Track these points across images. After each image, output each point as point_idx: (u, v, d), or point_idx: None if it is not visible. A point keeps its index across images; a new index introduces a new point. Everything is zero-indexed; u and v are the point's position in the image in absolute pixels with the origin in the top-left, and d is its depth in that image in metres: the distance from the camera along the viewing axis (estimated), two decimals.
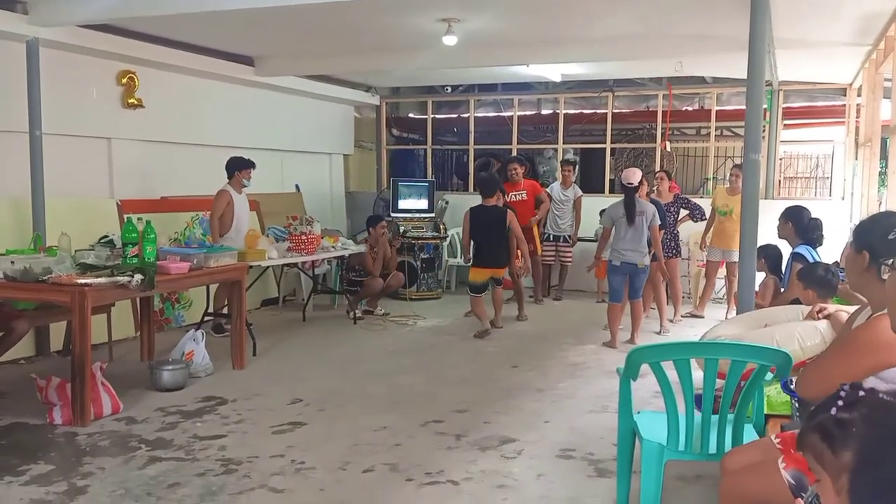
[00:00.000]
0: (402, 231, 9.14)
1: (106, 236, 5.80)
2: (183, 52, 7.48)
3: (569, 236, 9.15)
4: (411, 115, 12.51)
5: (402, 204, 9.58)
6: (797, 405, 3.12)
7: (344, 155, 11.08)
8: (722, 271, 8.12)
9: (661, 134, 9.94)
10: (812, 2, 5.64)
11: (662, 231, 7.28)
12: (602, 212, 7.03)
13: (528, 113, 11.63)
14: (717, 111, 9.94)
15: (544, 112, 11.78)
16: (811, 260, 4.83)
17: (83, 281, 4.56)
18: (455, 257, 9.88)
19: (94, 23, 6.27)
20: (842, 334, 2.54)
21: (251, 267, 6.36)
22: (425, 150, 11.40)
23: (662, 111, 9.94)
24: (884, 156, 7.40)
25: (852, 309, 3.59)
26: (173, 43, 7.33)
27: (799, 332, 3.64)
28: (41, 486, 3.65)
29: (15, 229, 6.10)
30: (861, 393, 1.42)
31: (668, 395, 3.03)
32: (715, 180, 10.90)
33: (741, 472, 2.47)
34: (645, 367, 3.12)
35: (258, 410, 4.88)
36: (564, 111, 10.55)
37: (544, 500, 3.60)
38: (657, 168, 9.44)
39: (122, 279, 4.69)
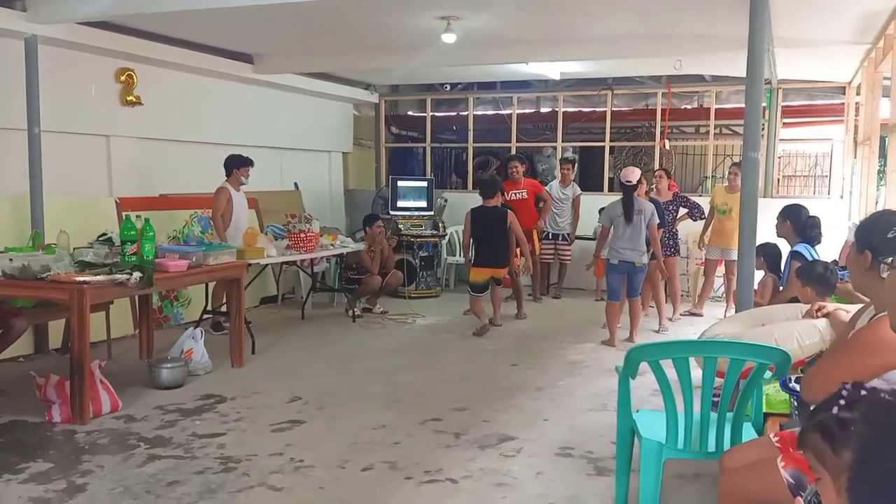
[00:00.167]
0: (398, 229, 9.13)
1: (104, 234, 5.79)
2: (182, 49, 7.47)
3: (567, 234, 9.15)
4: (410, 112, 12.51)
5: (401, 202, 9.58)
6: (796, 403, 3.12)
7: (343, 153, 11.08)
8: (721, 269, 8.13)
9: (661, 132, 9.94)
10: (811, 1, 5.64)
11: (661, 230, 7.28)
12: (601, 210, 7.03)
13: (527, 111, 11.63)
14: (716, 109, 9.94)
15: (543, 110, 11.78)
16: (810, 258, 4.84)
17: (82, 279, 4.55)
18: (454, 255, 9.88)
19: (93, 20, 6.26)
20: (844, 335, 2.53)
21: (250, 265, 6.36)
22: (424, 148, 11.39)
23: (661, 109, 9.94)
24: (882, 154, 7.40)
25: (851, 307, 3.60)
26: (172, 40, 7.31)
27: (798, 330, 3.64)
28: (40, 484, 3.65)
29: (13, 227, 6.09)
30: (863, 392, 1.42)
31: (667, 393, 3.03)
32: (714, 178, 10.90)
33: (740, 471, 2.47)
34: (644, 366, 3.12)
35: (257, 408, 4.88)
36: (563, 109, 10.55)
37: (543, 498, 3.60)
38: (656, 166, 9.45)
39: (121, 277, 4.69)
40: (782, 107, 9.61)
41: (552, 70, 9.28)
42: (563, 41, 7.37)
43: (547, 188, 9.21)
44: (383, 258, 8.31)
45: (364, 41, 7.60)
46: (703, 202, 8.24)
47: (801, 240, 5.10)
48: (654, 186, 7.98)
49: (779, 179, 11.22)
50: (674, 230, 7.88)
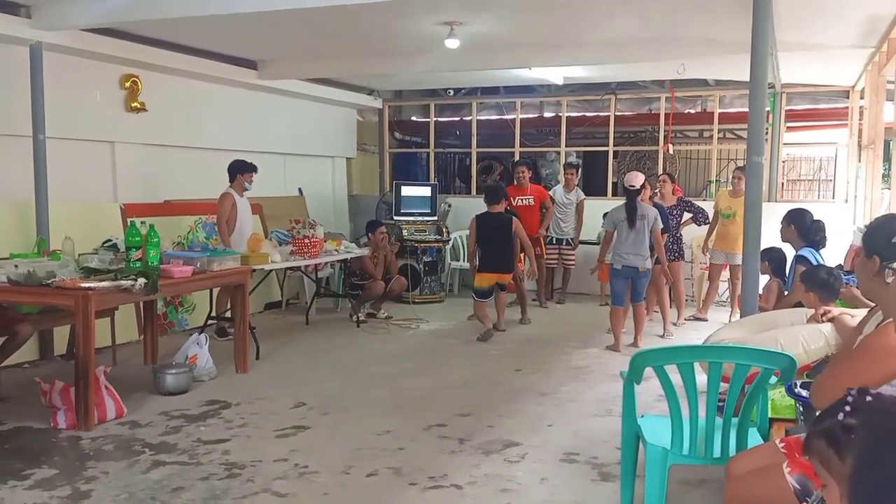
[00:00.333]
0: (402, 235, 9.13)
1: (109, 240, 5.81)
2: (186, 55, 7.50)
3: (571, 239, 9.14)
4: (414, 118, 12.52)
5: (405, 207, 9.58)
6: (801, 409, 3.11)
7: (347, 158, 11.09)
8: (725, 274, 8.11)
9: (664, 137, 9.93)
10: (815, 5, 5.64)
11: (666, 234, 7.27)
12: (605, 215, 7.04)
13: (530, 116, 11.63)
14: (719, 114, 9.93)
15: (547, 115, 11.77)
16: (814, 262, 4.83)
17: (87, 285, 4.56)
18: (458, 260, 9.88)
19: (98, 26, 6.28)
20: (851, 341, 2.52)
21: (254, 270, 6.37)
22: (428, 154, 11.41)
23: (665, 114, 9.94)
24: (887, 158, 7.39)
25: (857, 312, 3.59)
26: (176, 47, 7.34)
27: (803, 335, 3.64)
28: (45, 491, 3.65)
29: (19, 233, 6.11)
30: (868, 398, 1.42)
31: (672, 398, 3.03)
32: (718, 183, 10.89)
33: (746, 477, 2.46)
34: (648, 371, 3.12)
35: (261, 414, 4.88)
36: (567, 114, 10.55)
37: None
38: (660, 171, 9.45)
39: (126, 283, 4.70)
40: (786, 111, 9.60)
41: (555, 75, 9.29)
42: (567, 46, 7.38)
43: (551, 193, 9.20)
44: (386, 264, 8.31)
45: (367, 47, 7.62)
46: (707, 206, 8.24)
47: (805, 244, 5.09)
48: (658, 191, 7.98)
49: (783, 183, 11.23)
50: (678, 235, 7.87)
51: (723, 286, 8.41)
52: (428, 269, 9.25)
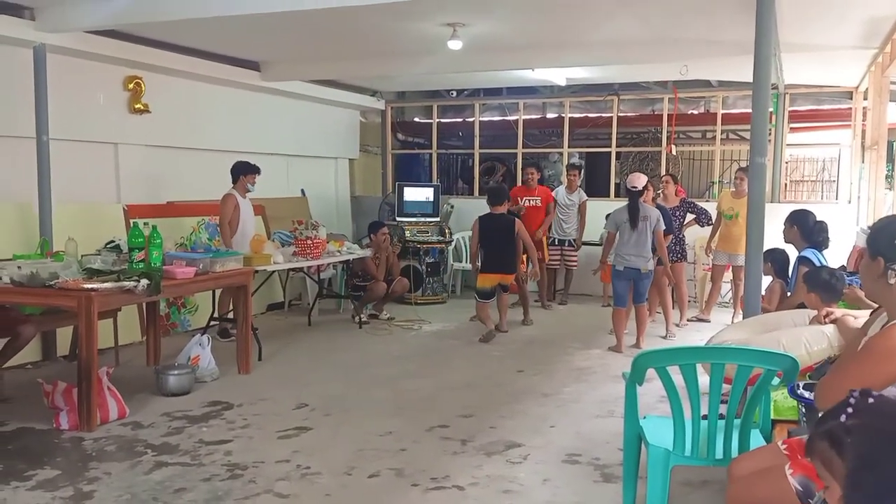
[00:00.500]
0: (404, 236, 9.13)
1: (112, 241, 5.81)
2: (189, 57, 7.51)
3: (574, 240, 9.14)
4: (416, 119, 12.52)
5: (408, 208, 9.59)
6: (804, 410, 3.11)
7: (349, 159, 11.09)
8: (728, 275, 8.10)
9: (667, 137, 9.92)
10: (818, 5, 5.63)
11: (670, 236, 7.26)
12: (608, 216, 7.04)
13: (533, 117, 11.63)
14: (722, 115, 9.92)
15: (549, 116, 11.77)
16: (817, 263, 4.82)
17: (90, 286, 4.57)
18: (460, 261, 9.88)
19: (101, 28, 6.29)
20: (855, 342, 2.51)
21: (257, 271, 6.37)
22: (430, 155, 11.41)
23: (668, 115, 9.93)
24: (890, 159, 7.37)
25: (859, 313, 3.58)
26: (179, 48, 7.36)
27: (806, 336, 3.63)
28: (47, 491, 3.66)
29: (22, 234, 6.13)
30: (870, 400, 1.42)
31: (675, 399, 3.03)
32: (721, 184, 10.87)
33: (748, 479, 2.45)
34: (651, 372, 3.11)
35: (264, 415, 4.88)
36: (569, 115, 10.54)
37: None
38: (663, 172, 9.43)
39: (129, 284, 4.70)
40: (789, 111, 9.59)
41: (558, 76, 9.29)
42: (569, 46, 7.38)
43: (553, 194, 9.20)
44: (388, 265, 8.31)
45: (370, 48, 7.62)
46: (710, 207, 8.23)
47: (808, 245, 5.09)
48: (660, 192, 7.97)
49: (786, 184, 11.18)
50: (681, 236, 7.87)
51: (725, 287, 8.40)
52: (430, 270, 9.25)
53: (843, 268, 4.99)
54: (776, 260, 5.51)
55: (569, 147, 10.60)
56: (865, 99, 8.28)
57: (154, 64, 7.19)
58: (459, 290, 9.90)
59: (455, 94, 11.36)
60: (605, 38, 6.94)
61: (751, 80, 4.86)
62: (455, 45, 6.67)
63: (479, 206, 7.81)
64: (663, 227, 6.88)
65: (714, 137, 10.34)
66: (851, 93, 9.19)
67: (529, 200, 8.78)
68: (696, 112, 10.91)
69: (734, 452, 2.99)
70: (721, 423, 3.04)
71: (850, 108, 9.36)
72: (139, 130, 7.36)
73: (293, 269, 7.72)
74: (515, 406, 5.12)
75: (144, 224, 5.13)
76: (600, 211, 8.50)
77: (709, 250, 8.12)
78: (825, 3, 5.56)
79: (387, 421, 4.77)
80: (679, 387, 3.01)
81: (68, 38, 6.21)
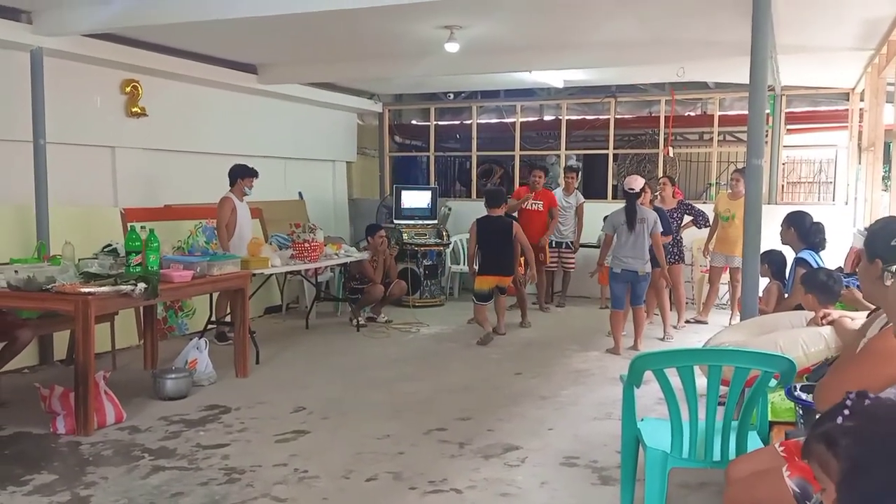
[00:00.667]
0: (402, 238, 9.13)
1: (109, 245, 5.81)
2: (186, 60, 7.50)
3: (571, 243, 9.14)
4: (414, 122, 12.53)
5: (405, 211, 9.59)
6: (801, 412, 3.11)
7: (347, 162, 11.10)
8: (725, 277, 8.11)
9: (664, 139, 9.93)
10: (814, 7, 5.65)
11: (668, 237, 7.26)
12: (605, 218, 7.04)
13: (530, 119, 11.64)
14: (719, 116, 9.93)
15: (547, 118, 11.79)
16: (814, 265, 4.83)
17: (87, 290, 4.56)
18: (458, 264, 9.88)
19: (98, 32, 6.29)
20: (854, 344, 2.51)
21: (254, 275, 6.37)
22: (428, 157, 11.41)
23: (665, 116, 9.94)
24: (887, 160, 7.38)
25: (857, 315, 3.59)
26: (177, 52, 7.35)
27: (803, 338, 3.64)
28: (44, 496, 3.65)
29: (19, 238, 6.11)
30: (867, 402, 1.42)
31: (672, 402, 3.03)
32: (718, 185, 10.88)
33: (746, 481, 2.45)
34: (648, 374, 3.12)
35: (261, 419, 4.87)
36: (567, 117, 10.55)
37: None
38: (660, 174, 9.44)
39: (126, 288, 4.69)
40: (786, 113, 9.60)
41: (555, 78, 9.30)
42: (566, 49, 7.39)
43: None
44: (386, 267, 8.31)
45: (367, 51, 7.63)
46: (708, 209, 8.24)
47: (805, 246, 5.10)
48: (658, 194, 7.98)
49: (783, 186, 11.21)
50: (678, 238, 7.87)
51: (723, 289, 8.40)
52: (428, 272, 9.25)
53: (840, 269, 5.00)
54: (773, 261, 5.52)
55: (566, 149, 10.61)
56: (862, 100, 8.29)
57: (151, 67, 7.19)
58: (457, 293, 9.90)
59: (452, 96, 11.37)
60: (602, 39, 6.95)
61: (747, 82, 4.87)
62: (452, 47, 6.67)
63: (476, 209, 7.82)
64: (661, 230, 6.89)
65: (711, 139, 10.36)
66: (848, 94, 9.21)
67: (533, 203, 8.76)
68: (692, 114, 10.93)
69: (732, 454, 2.99)
70: (719, 424, 3.04)
71: (847, 110, 9.37)
72: (136, 134, 7.36)
73: (291, 273, 7.72)
74: (513, 409, 5.12)
75: (141, 227, 5.12)
76: (598, 213, 8.52)
77: (706, 252, 8.13)
78: (821, 4, 5.57)
79: (384, 424, 4.77)
80: (676, 389, 3.01)
81: (65, 42, 6.20)
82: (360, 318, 7.89)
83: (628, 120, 11.17)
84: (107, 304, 4.76)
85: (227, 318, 6.85)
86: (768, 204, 8.14)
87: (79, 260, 5.20)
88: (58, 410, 4.56)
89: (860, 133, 8.34)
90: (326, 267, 8.14)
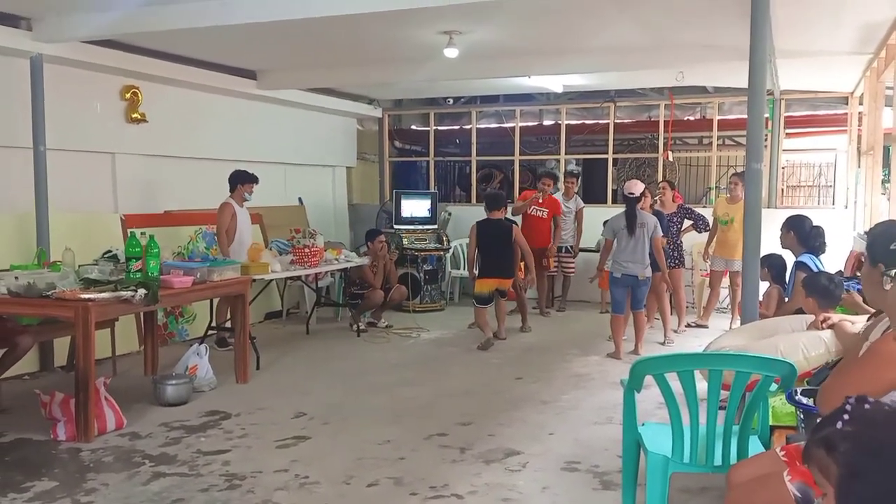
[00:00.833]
0: (401, 244, 9.13)
1: (110, 251, 5.81)
2: (186, 66, 7.52)
3: (571, 247, 9.14)
4: (414, 127, 12.54)
5: (405, 216, 9.60)
6: (802, 416, 3.11)
7: (347, 167, 11.11)
8: (726, 281, 8.11)
9: (664, 144, 9.94)
10: (812, 11, 5.66)
11: (665, 238, 7.27)
12: (605, 222, 7.05)
13: (530, 124, 11.65)
14: (718, 121, 9.95)
15: (546, 123, 11.80)
16: (814, 268, 4.83)
17: (87, 296, 4.56)
18: (458, 269, 9.88)
19: (98, 38, 6.31)
20: (855, 347, 2.51)
21: (254, 280, 6.37)
22: (428, 162, 11.43)
23: (664, 121, 9.95)
24: (886, 163, 7.39)
25: (857, 318, 3.59)
26: (176, 58, 7.37)
27: (803, 342, 3.63)
28: (45, 503, 3.65)
29: (19, 244, 6.12)
30: (866, 406, 1.42)
31: (673, 406, 3.02)
32: (717, 189, 10.89)
33: (747, 486, 2.45)
34: (649, 378, 3.11)
35: (262, 424, 4.87)
36: (566, 122, 10.56)
37: None
38: (660, 178, 9.45)
39: (126, 294, 4.70)
40: (785, 117, 9.62)
41: (554, 83, 9.31)
42: (565, 53, 7.40)
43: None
44: (386, 273, 8.31)
45: (367, 56, 7.64)
46: (708, 213, 8.24)
47: (805, 250, 5.10)
48: (658, 199, 7.98)
49: (783, 190, 11.21)
50: (679, 242, 7.87)
51: (723, 293, 8.40)
52: (428, 277, 9.25)
53: (840, 273, 5.00)
54: (773, 265, 5.52)
55: (566, 154, 10.62)
56: (861, 104, 8.30)
57: (151, 73, 7.20)
58: (457, 298, 9.90)
59: (452, 101, 11.40)
60: (601, 44, 6.97)
61: (746, 86, 4.87)
62: (451, 53, 6.68)
63: (476, 214, 7.82)
64: (661, 234, 6.89)
65: (710, 143, 10.37)
66: (847, 98, 9.22)
67: (537, 210, 8.74)
68: (692, 118, 10.95)
69: (733, 459, 2.99)
70: (720, 429, 3.04)
71: (846, 114, 9.38)
72: (136, 140, 7.37)
73: (291, 278, 7.72)
74: (514, 413, 5.11)
75: (142, 233, 5.13)
76: (597, 218, 8.53)
77: (706, 256, 8.14)
78: (820, 8, 5.59)
79: (385, 429, 4.76)
80: (677, 393, 3.01)
81: (65, 48, 6.22)
82: (360, 324, 7.89)
83: (628, 124, 11.18)
84: (107, 310, 4.76)
85: (228, 324, 6.85)
86: (768, 208, 8.16)
87: (79, 266, 5.20)
88: (58, 417, 4.56)
89: (859, 137, 8.35)
90: (327, 272, 8.14)
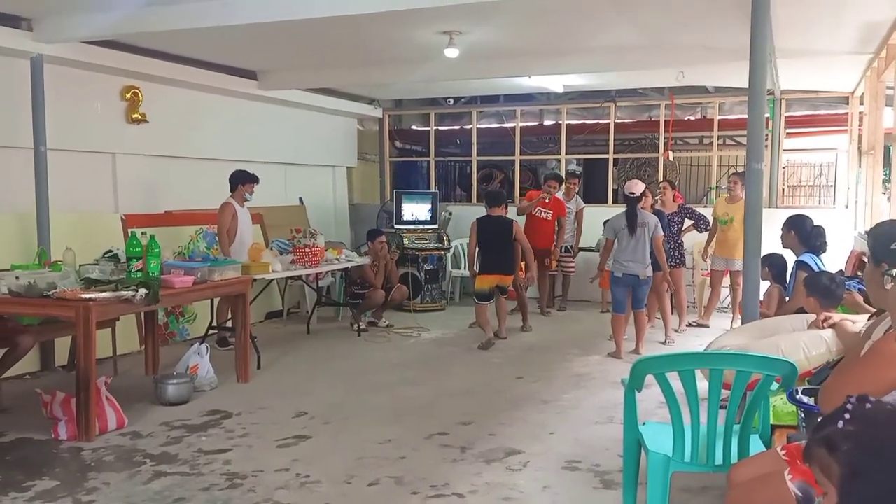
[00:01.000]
0: (402, 243, 9.13)
1: (110, 251, 5.81)
2: (186, 66, 7.53)
3: (571, 247, 9.14)
4: (414, 127, 12.55)
5: (406, 216, 9.60)
6: (803, 415, 3.11)
7: (347, 167, 11.12)
8: (726, 280, 8.11)
9: (664, 144, 9.95)
10: (813, 11, 5.66)
11: (664, 235, 7.26)
12: (606, 222, 7.05)
13: (530, 124, 11.65)
14: (719, 120, 9.95)
15: (547, 123, 11.80)
16: (815, 268, 4.83)
17: (88, 296, 4.56)
18: (459, 268, 9.88)
19: (98, 39, 6.31)
20: (857, 347, 2.51)
21: (255, 280, 6.37)
22: (428, 162, 11.43)
23: (665, 121, 9.95)
24: (887, 163, 7.39)
25: (858, 318, 3.59)
26: (177, 58, 7.37)
27: (804, 341, 3.63)
28: (46, 502, 3.65)
29: (20, 244, 6.12)
30: (867, 405, 1.42)
31: (674, 406, 3.02)
32: (718, 189, 10.89)
33: (748, 485, 2.45)
34: (650, 378, 3.12)
35: (263, 424, 4.87)
36: (567, 122, 10.56)
37: None
38: (660, 178, 9.45)
39: (127, 294, 4.70)
40: (786, 117, 9.62)
41: (555, 83, 9.31)
42: (566, 54, 7.40)
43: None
44: (387, 272, 8.31)
45: (367, 56, 7.64)
46: (708, 213, 8.24)
47: (806, 250, 5.10)
48: (658, 198, 7.98)
49: (783, 189, 11.22)
50: (679, 241, 7.87)
51: (724, 292, 8.40)
52: (429, 277, 9.25)
53: (840, 272, 5.00)
54: (774, 265, 5.52)
55: (566, 154, 10.62)
56: (862, 104, 8.30)
57: (151, 74, 7.20)
58: (458, 297, 9.90)
59: (452, 101, 11.40)
60: (601, 44, 6.97)
61: (747, 86, 4.87)
62: (452, 53, 6.68)
63: (477, 213, 7.82)
64: (661, 234, 6.89)
65: (711, 143, 10.37)
66: (848, 98, 9.22)
67: (542, 211, 8.73)
68: (692, 118, 10.95)
69: (734, 458, 2.99)
70: (720, 428, 3.04)
71: (847, 113, 9.38)
72: (137, 140, 7.37)
73: (292, 278, 7.72)
74: (515, 413, 5.12)
75: (142, 233, 5.13)
76: (598, 217, 8.53)
77: (706, 255, 8.14)
78: (820, 8, 5.59)
79: (386, 429, 4.77)
80: (678, 393, 3.01)
81: (66, 49, 6.22)
82: (361, 323, 7.89)
83: (628, 124, 11.18)
84: (108, 309, 4.77)
85: (229, 324, 6.85)
86: (768, 207, 8.15)
87: (80, 266, 5.20)
88: (59, 416, 4.56)
89: (860, 136, 8.35)
90: (327, 272, 8.14)
